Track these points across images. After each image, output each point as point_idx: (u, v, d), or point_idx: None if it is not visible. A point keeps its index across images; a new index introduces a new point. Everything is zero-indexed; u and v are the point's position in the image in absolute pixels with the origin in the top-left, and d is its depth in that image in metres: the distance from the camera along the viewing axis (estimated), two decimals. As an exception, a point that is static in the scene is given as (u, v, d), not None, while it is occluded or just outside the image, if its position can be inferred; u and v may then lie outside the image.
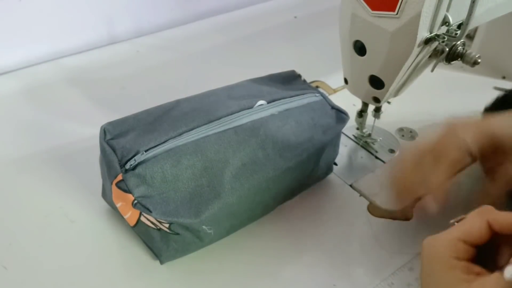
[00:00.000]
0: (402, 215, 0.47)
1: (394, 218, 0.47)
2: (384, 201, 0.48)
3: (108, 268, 0.41)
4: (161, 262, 0.41)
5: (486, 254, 0.31)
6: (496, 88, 0.66)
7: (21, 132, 0.55)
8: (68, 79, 0.65)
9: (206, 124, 0.41)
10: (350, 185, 0.50)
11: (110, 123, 0.42)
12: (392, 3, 0.39)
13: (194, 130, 0.41)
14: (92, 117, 0.57)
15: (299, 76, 0.51)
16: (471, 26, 0.40)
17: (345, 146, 0.55)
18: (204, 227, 0.39)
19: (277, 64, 0.69)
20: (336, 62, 0.51)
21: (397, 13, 0.39)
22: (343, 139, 0.56)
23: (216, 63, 0.70)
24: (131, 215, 0.40)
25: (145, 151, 0.38)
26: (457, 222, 0.32)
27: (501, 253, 0.31)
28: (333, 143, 0.47)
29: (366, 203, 0.48)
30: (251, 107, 0.44)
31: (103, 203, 0.45)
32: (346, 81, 0.50)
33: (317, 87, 0.65)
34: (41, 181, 0.49)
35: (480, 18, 0.45)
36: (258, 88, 0.47)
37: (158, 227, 0.39)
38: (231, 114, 0.42)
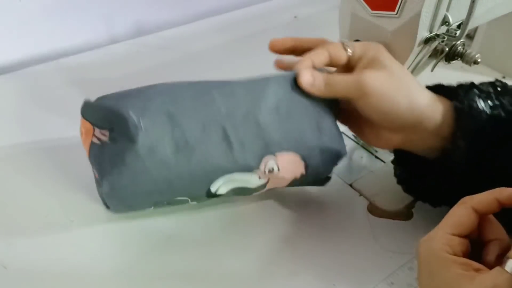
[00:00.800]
0: (402, 215, 0.47)
1: (394, 218, 0.47)
2: (384, 201, 0.48)
3: (107, 268, 0.41)
4: (108, 207, 0.42)
5: (473, 253, 0.31)
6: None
7: (21, 132, 0.55)
8: (68, 79, 0.65)
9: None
10: (350, 185, 0.50)
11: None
12: (392, 3, 0.39)
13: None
14: (92, 117, 0.57)
15: None
16: (471, 26, 0.40)
17: (345, 146, 0.55)
18: (132, 116, 0.37)
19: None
20: (336, 62, 0.51)
21: (397, 13, 0.40)
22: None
23: (216, 63, 0.70)
24: (85, 138, 0.41)
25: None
26: None
27: (488, 250, 0.31)
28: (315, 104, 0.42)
29: (366, 202, 0.48)
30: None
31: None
32: (346, 81, 0.50)
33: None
34: (41, 180, 0.49)
35: (480, 18, 0.45)
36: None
37: (101, 140, 0.39)
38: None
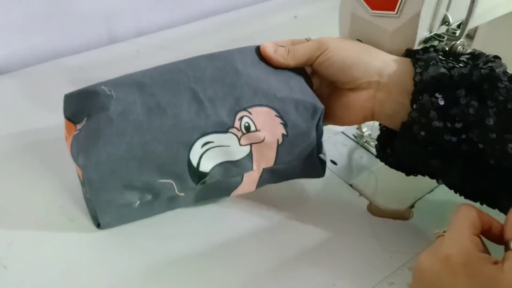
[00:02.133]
0: (402, 215, 0.47)
1: (394, 218, 0.47)
2: (384, 201, 0.48)
3: (107, 268, 0.41)
4: (98, 220, 0.42)
5: None
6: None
7: (21, 132, 0.55)
8: (68, 79, 0.65)
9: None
10: (350, 185, 0.50)
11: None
12: (391, 3, 0.39)
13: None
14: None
15: None
16: (471, 26, 0.40)
17: (344, 146, 0.55)
18: (103, 88, 0.40)
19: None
20: (336, 62, 0.51)
21: (396, 13, 0.40)
22: (343, 138, 0.56)
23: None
24: (69, 139, 0.41)
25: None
26: (442, 233, 0.33)
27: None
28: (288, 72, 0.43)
29: (366, 203, 0.48)
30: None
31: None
32: (346, 80, 0.50)
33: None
34: (41, 180, 0.49)
35: (480, 17, 0.45)
36: None
37: (80, 129, 0.40)
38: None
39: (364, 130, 0.55)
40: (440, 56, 0.39)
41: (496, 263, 0.30)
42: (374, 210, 0.48)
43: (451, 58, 0.40)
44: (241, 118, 0.39)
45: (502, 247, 0.32)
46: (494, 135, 0.35)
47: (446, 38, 0.41)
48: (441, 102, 0.36)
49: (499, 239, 0.33)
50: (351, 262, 0.43)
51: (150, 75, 0.41)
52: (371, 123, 0.54)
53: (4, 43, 0.66)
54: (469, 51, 0.41)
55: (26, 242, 0.43)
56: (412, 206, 0.48)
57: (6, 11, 0.64)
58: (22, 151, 0.52)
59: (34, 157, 0.52)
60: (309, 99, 0.41)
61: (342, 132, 0.57)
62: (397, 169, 0.44)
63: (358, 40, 0.44)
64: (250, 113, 0.39)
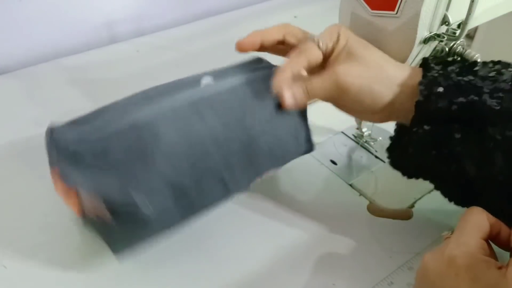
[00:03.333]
0: (402, 215, 0.47)
1: (394, 218, 0.47)
2: (384, 201, 0.48)
3: (107, 268, 0.41)
4: (114, 252, 0.39)
5: None
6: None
7: (21, 132, 0.55)
8: (68, 79, 0.65)
9: (146, 104, 0.39)
10: (350, 185, 0.50)
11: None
12: (391, 3, 0.39)
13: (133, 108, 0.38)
14: (92, 117, 0.57)
15: (260, 59, 0.47)
16: (470, 26, 0.40)
17: (344, 146, 0.55)
18: (138, 200, 0.36)
19: (277, 64, 0.69)
20: (336, 62, 0.51)
21: (396, 13, 0.39)
22: (343, 138, 0.56)
23: (216, 63, 0.70)
24: (67, 199, 0.38)
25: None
26: (450, 235, 0.34)
27: None
28: (291, 114, 0.43)
29: (366, 203, 0.48)
30: (198, 87, 0.41)
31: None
32: (346, 80, 0.50)
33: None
34: (41, 180, 0.49)
35: (480, 17, 0.45)
36: (210, 73, 0.44)
37: (99, 216, 0.36)
38: (174, 94, 0.40)
39: (364, 130, 0.55)
40: (454, 74, 0.38)
41: (500, 268, 0.30)
42: (374, 210, 0.48)
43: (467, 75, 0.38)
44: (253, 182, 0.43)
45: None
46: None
47: (446, 38, 0.41)
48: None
49: (506, 245, 0.33)
50: (351, 262, 0.43)
51: (183, 172, 0.37)
52: (370, 123, 0.54)
53: (4, 43, 0.66)
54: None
55: (26, 242, 0.43)
56: (412, 206, 0.48)
57: (6, 11, 0.64)
58: (22, 151, 0.53)
59: (34, 157, 0.52)
60: (310, 149, 0.44)
61: (342, 132, 0.57)
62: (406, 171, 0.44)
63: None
64: (262, 176, 0.43)
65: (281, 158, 0.43)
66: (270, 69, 0.43)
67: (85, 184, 0.35)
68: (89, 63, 0.69)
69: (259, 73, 0.43)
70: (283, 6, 0.86)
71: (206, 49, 0.74)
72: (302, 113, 0.42)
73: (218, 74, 0.43)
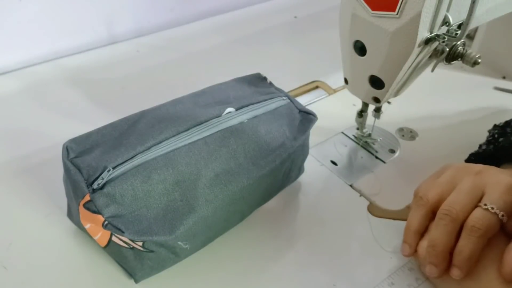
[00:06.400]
0: (402, 215, 0.47)
1: (394, 218, 0.47)
2: (384, 201, 0.48)
3: (108, 269, 0.41)
4: (136, 281, 0.39)
5: None
6: (496, 88, 0.66)
7: (21, 131, 0.55)
8: (68, 79, 0.65)
9: (174, 135, 0.40)
10: (350, 185, 0.50)
11: (72, 140, 0.40)
12: (392, 3, 0.39)
13: (163, 143, 0.39)
14: (92, 117, 0.57)
15: (265, 78, 0.51)
16: (471, 26, 0.40)
17: (345, 146, 0.55)
18: (179, 243, 0.38)
19: (277, 64, 0.69)
20: (336, 62, 0.51)
21: (397, 13, 0.39)
22: (343, 139, 0.56)
23: (216, 63, 0.70)
24: (101, 236, 0.38)
25: (113, 168, 0.37)
26: None
27: None
28: (303, 145, 0.47)
29: (366, 203, 0.48)
30: (220, 115, 0.43)
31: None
32: (346, 81, 0.50)
33: (317, 87, 0.65)
34: (41, 180, 0.49)
35: (480, 18, 0.45)
36: (225, 94, 0.46)
37: (131, 246, 0.37)
38: (200, 124, 0.41)
39: (364, 130, 0.55)
40: None
41: None
42: (374, 210, 0.48)
43: None
44: None
45: None
46: None
47: (446, 39, 0.41)
48: None
49: None
50: (351, 262, 0.43)
51: (219, 216, 0.40)
52: (371, 123, 0.54)
53: (4, 43, 0.66)
54: None
55: (26, 242, 0.43)
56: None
57: (6, 11, 0.64)
58: (21, 151, 0.52)
59: (34, 157, 0.52)
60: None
61: (342, 133, 0.57)
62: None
63: (359, 40, 0.44)
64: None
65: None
66: (281, 98, 0.48)
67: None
68: (89, 63, 0.69)
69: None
70: (283, 6, 0.86)
71: (206, 50, 0.74)
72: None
73: (237, 103, 0.45)
